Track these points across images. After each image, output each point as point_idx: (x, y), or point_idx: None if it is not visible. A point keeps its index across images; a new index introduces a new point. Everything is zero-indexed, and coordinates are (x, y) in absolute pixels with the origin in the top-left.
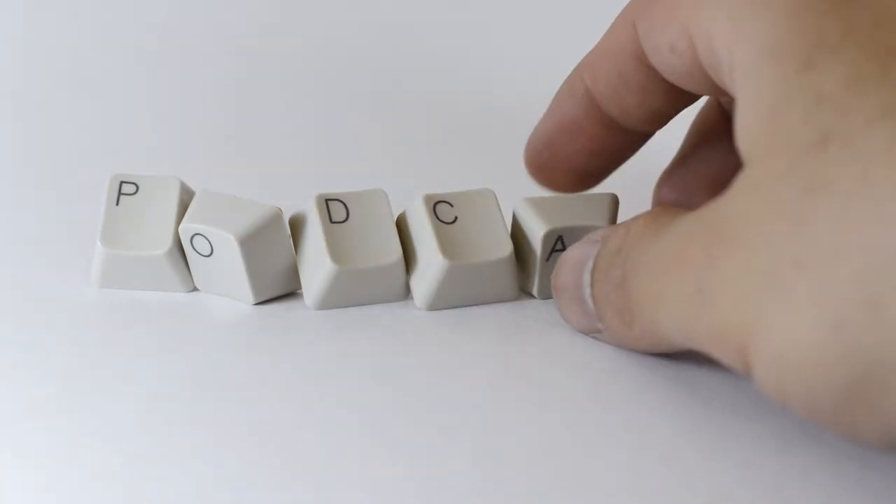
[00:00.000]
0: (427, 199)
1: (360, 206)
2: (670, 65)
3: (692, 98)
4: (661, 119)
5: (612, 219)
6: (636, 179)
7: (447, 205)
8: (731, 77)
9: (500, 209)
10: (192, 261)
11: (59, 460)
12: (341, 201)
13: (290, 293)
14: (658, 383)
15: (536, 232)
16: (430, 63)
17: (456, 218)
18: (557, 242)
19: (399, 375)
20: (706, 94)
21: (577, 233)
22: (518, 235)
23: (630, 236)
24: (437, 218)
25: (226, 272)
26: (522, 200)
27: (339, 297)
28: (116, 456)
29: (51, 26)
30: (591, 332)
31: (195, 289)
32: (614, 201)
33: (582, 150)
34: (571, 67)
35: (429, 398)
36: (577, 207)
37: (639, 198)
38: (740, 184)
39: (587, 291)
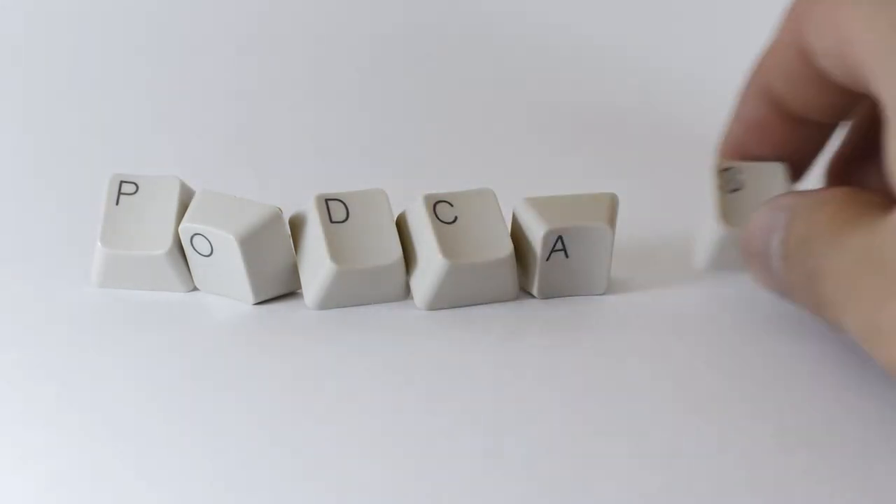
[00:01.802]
0: (427, 199)
1: (360, 206)
2: (832, 69)
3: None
4: (845, 110)
5: (612, 219)
6: (637, 180)
7: (447, 205)
8: (881, 103)
9: (500, 209)
10: (192, 261)
11: (59, 460)
12: (341, 201)
13: (290, 293)
14: (658, 383)
15: (536, 232)
16: (430, 63)
17: (456, 218)
18: (557, 242)
19: (399, 375)
20: None
21: (578, 233)
22: (518, 235)
23: (819, 227)
24: (437, 218)
25: (226, 272)
26: (522, 200)
27: (339, 297)
28: (117, 456)
29: (51, 26)
30: (786, 297)
31: (195, 289)
32: (614, 201)
33: (773, 149)
34: (571, 66)
35: (429, 398)
36: (577, 207)
37: (639, 197)
38: None
39: (776, 262)
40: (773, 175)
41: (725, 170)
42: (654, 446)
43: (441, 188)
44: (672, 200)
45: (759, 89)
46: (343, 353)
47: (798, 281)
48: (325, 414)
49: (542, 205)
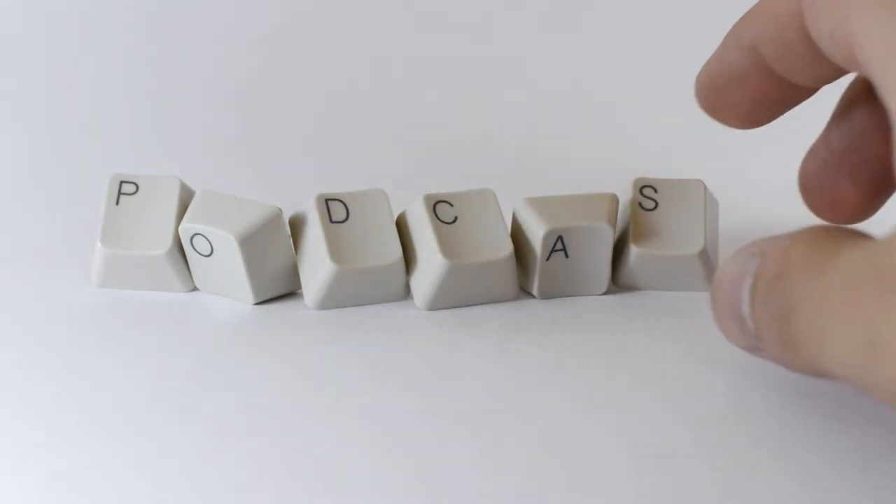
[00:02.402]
0: (427, 199)
1: (360, 206)
2: (829, 50)
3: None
4: (829, 79)
5: (612, 219)
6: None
7: (447, 205)
8: (885, 96)
9: (500, 209)
10: (192, 261)
11: (59, 460)
12: (341, 201)
13: (290, 293)
14: (658, 383)
15: (536, 232)
16: (430, 63)
17: (456, 218)
18: (557, 242)
19: (399, 375)
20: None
21: (578, 233)
22: (518, 235)
23: (791, 263)
24: (437, 218)
25: (226, 272)
26: (522, 200)
27: (339, 297)
28: (117, 456)
29: (51, 26)
30: (752, 351)
31: (195, 289)
32: (614, 201)
33: (749, 98)
34: (570, 68)
35: (429, 398)
36: (577, 207)
37: None
38: None
39: (746, 310)
40: (691, 193)
41: (643, 188)
42: (653, 446)
43: (441, 188)
44: None
45: (745, 44)
46: (343, 353)
47: (767, 322)
48: (324, 414)
49: (542, 205)
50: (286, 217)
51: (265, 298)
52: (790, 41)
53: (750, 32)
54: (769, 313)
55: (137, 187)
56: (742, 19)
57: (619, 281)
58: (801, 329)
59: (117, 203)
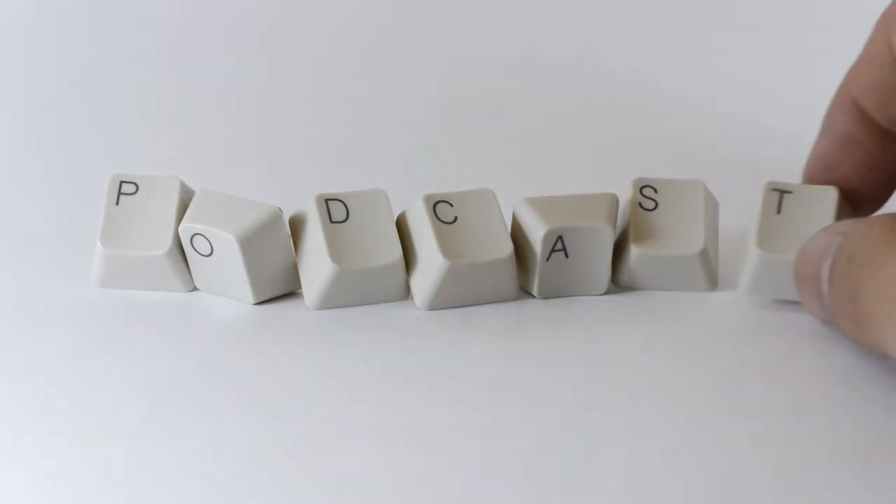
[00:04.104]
0: (427, 198)
1: (360, 206)
2: None
3: None
4: None
5: (612, 219)
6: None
7: (447, 205)
8: None
9: (500, 209)
10: (192, 261)
11: (59, 460)
12: (341, 201)
13: (290, 293)
14: (658, 383)
15: (536, 232)
16: (431, 63)
17: (456, 218)
18: (557, 242)
19: (399, 375)
20: None
21: (577, 233)
22: (518, 235)
23: (864, 245)
24: (437, 218)
25: (226, 272)
26: (522, 200)
27: (339, 297)
28: (117, 456)
29: (51, 26)
30: (828, 324)
31: (195, 289)
32: (614, 201)
33: (859, 165)
34: (567, 64)
35: (429, 398)
36: (577, 208)
37: None
38: None
39: (825, 286)
40: (691, 193)
41: (643, 187)
42: (653, 447)
43: (441, 188)
44: None
45: (847, 103)
46: (343, 353)
47: (840, 300)
48: (324, 414)
49: (541, 205)
50: (286, 217)
51: (265, 298)
52: (889, 81)
53: (851, 89)
54: (842, 293)
55: (137, 187)
56: (842, 83)
57: (619, 281)
58: (868, 310)
59: (117, 203)
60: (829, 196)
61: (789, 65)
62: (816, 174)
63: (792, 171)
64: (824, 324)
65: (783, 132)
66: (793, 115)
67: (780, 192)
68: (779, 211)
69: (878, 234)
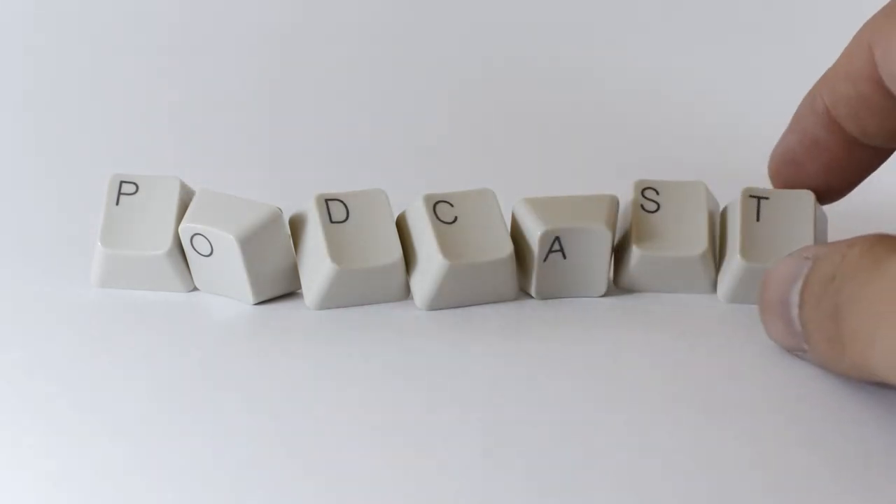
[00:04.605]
0: (427, 199)
1: (360, 206)
2: None
3: None
4: None
5: (612, 220)
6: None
7: (447, 205)
8: None
9: (500, 209)
10: (192, 261)
11: (59, 460)
12: (341, 201)
13: (290, 293)
14: (658, 383)
15: (533, 232)
16: (431, 63)
17: (456, 218)
18: (555, 243)
19: (399, 375)
20: None
21: (575, 234)
22: (517, 236)
23: (845, 265)
24: (437, 218)
25: (226, 272)
26: (521, 200)
27: (339, 297)
28: (117, 455)
29: (51, 26)
30: (795, 352)
31: (195, 289)
32: (614, 202)
33: (824, 167)
34: (562, 66)
35: (429, 398)
36: (576, 209)
37: None
38: None
39: (794, 311)
40: (693, 194)
41: (644, 189)
42: (653, 447)
43: (441, 188)
44: None
45: (819, 107)
46: (343, 353)
47: (818, 321)
48: (325, 414)
49: (540, 205)
50: (286, 217)
51: (265, 298)
52: (864, 95)
53: (824, 95)
54: (820, 313)
55: (137, 187)
56: (815, 85)
57: (620, 282)
58: (851, 329)
59: (117, 203)
60: (805, 201)
61: (790, 65)
62: (782, 168)
63: None
64: (790, 351)
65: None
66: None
67: (758, 199)
68: (758, 219)
69: (858, 253)
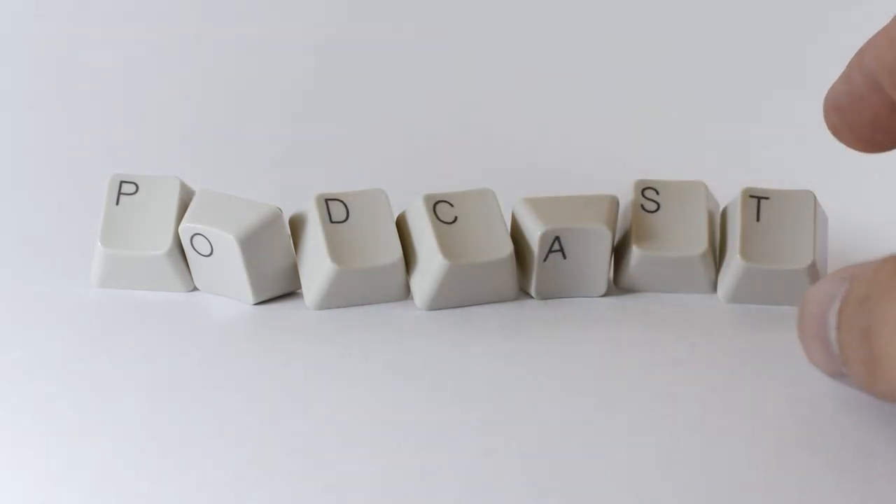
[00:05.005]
0: (427, 198)
1: (360, 206)
2: None
3: None
4: None
5: (612, 220)
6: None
7: (447, 205)
8: None
9: (500, 209)
10: (192, 261)
11: (59, 460)
12: (341, 201)
13: (290, 293)
14: (658, 383)
15: (533, 232)
16: (431, 63)
17: (456, 218)
18: (555, 243)
19: (399, 375)
20: None
21: (575, 234)
22: (516, 235)
23: (879, 284)
24: (437, 218)
25: (226, 272)
26: (521, 200)
27: (339, 297)
28: (117, 455)
29: (51, 26)
30: (836, 375)
31: (195, 289)
32: (614, 203)
33: (868, 122)
34: (571, 67)
35: (428, 398)
36: (576, 209)
37: None
38: None
39: (833, 334)
40: (693, 194)
41: (645, 189)
42: (652, 447)
43: (441, 188)
44: None
45: (864, 68)
46: (343, 353)
47: (852, 344)
48: (324, 414)
49: (540, 205)
50: (286, 217)
51: (265, 298)
52: None
53: (869, 59)
54: (854, 335)
55: (137, 187)
56: (867, 43)
57: (620, 282)
58: (882, 349)
59: (117, 203)
60: (806, 201)
61: (790, 65)
62: (831, 112)
63: (792, 172)
64: (832, 376)
65: (785, 133)
66: (794, 116)
67: (758, 199)
68: (758, 219)
69: (890, 270)
